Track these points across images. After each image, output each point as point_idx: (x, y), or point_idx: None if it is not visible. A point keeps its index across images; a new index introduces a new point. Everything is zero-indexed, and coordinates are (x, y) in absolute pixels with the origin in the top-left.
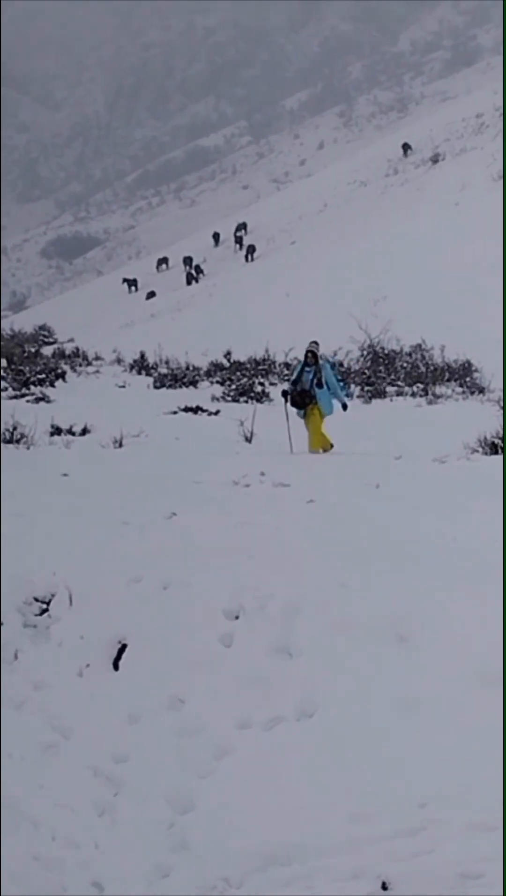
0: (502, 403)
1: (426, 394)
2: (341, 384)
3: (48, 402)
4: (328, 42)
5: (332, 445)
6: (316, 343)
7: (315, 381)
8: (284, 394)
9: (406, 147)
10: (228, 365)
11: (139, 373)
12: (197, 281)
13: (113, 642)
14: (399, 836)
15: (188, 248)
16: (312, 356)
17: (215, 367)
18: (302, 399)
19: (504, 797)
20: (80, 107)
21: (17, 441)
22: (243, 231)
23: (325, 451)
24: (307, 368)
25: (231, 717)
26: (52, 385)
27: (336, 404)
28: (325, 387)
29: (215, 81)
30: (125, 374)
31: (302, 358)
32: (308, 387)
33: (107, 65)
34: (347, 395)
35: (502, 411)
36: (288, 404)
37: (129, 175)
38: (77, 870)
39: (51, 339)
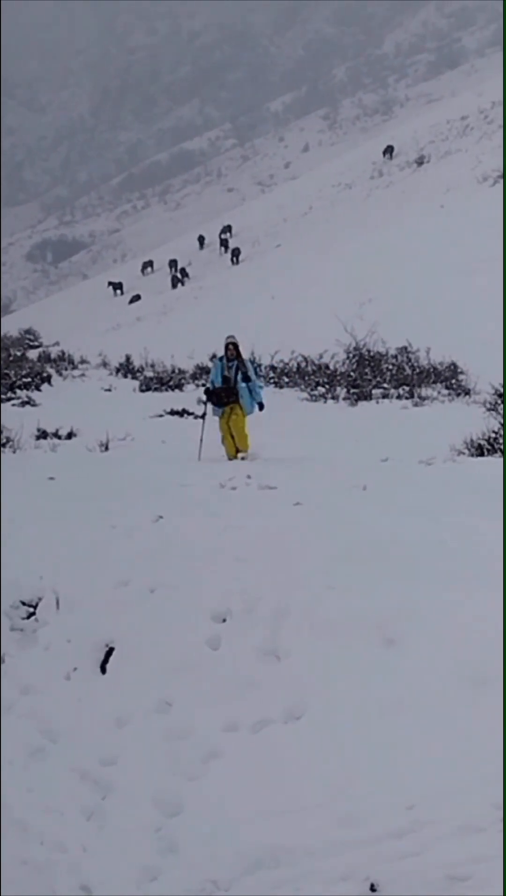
0: (488, 405)
1: (412, 396)
2: (260, 383)
3: (34, 405)
4: (313, 45)
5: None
6: (234, 337)
7: (240, 375)
8: (208, 392)
9: (389, 149)
10: None
11: (125, 376)
12: (183, 284)
13: (100, 646)
14: (387, 838)
15: (173, 251)
16: (233, 349)
17: (201, 370)
18: (227, 396)
19: (504, 797)
20: (65, 110)
21: (3, 445)
22: (228, 234)
23: (243, 456)
24: (229, 364)
25: (219, 719)
26: (37, 389)
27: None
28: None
29: (200, 85)
30: (111, 378)
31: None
32: (233, 383)
33: (92, 68)
34: (262, 387)
35: (489, 413)
36: (208, 405)
37: (114, 178)
38: (66, 873)
39: (36, 343)
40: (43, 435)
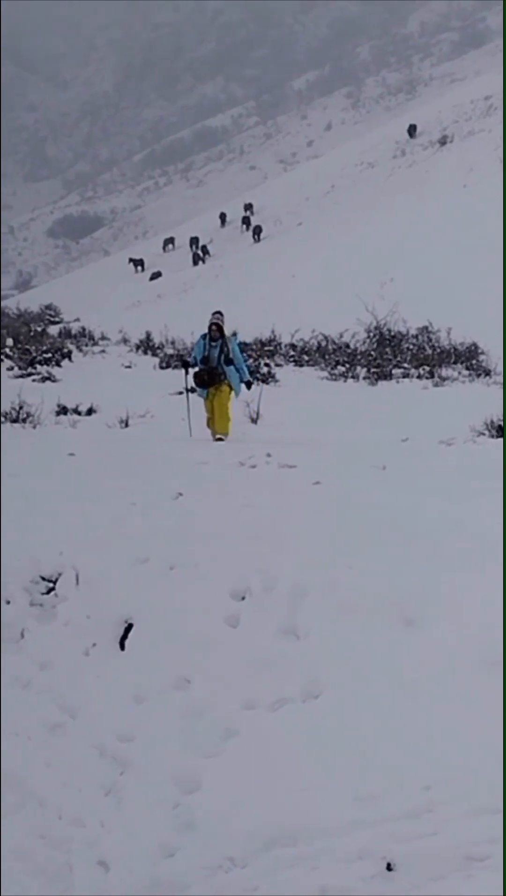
0: None
1: (432, 376)
2: (246, 361)
3: (54, 381)
4: (337, 23)
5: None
6: (220, 313)
7: (222, 356)
8: (185, 365)
9: (412, 129)
10: None
11: (145, 353)
12: (204, 261)
13: (119, 622)
14: (404, 817)
15: (195, 228)
16: (216, 329)
17: None
18: (211, 377)
19: (504, 783)
20: (88, 86)
21: (24, 420)
22: (250, 212)
23: (223, 438)
24: (213, 343)
25: (237, 697)
26: (58, 365)
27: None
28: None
29: (224, 62)
30: (131, 355)
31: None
32: (216, 363)
33: (116, 44)
34: (252, 375)
35: None
36: (189, 376)
37: (136, 155)
38: (83, 848)
39: (57, 319)
40: (63, 411)
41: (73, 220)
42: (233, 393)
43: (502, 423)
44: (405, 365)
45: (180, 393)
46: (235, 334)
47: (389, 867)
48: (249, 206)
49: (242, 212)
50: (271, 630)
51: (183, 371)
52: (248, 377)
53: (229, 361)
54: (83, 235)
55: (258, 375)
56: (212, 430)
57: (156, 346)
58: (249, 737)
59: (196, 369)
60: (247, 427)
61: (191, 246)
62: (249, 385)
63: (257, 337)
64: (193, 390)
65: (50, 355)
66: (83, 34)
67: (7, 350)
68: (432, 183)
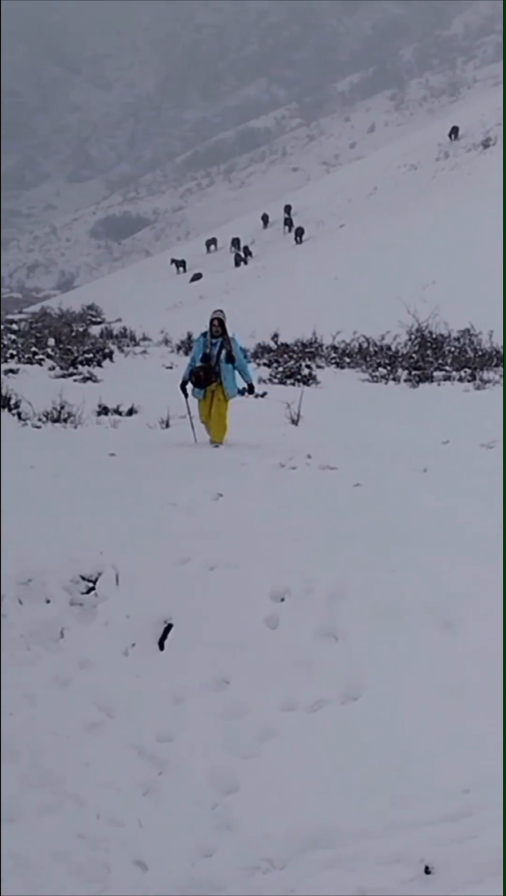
0: None
1: (474, 379)
2: (248, 362)
3: (95, 381)
4: (381, 25)
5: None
6: (221, 311)
7: (222, 354)
8: (183, 385)
9: (455, 131)
10: (275, 347)
11: (186, 353)
12: (246, 262)
13: (159, 622)
14: (442, 820)
15: (237, 229)
16: (218, 325)
17: (262, 349)
18: (207, 376)
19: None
20: (131, 87)
21: (65, 420)
22: (288, 213)
23: (219, 443)
24: (213, 340)
25: (276, 699)
26: (99, 365)
27: (241, 387)
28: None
29: (267, 63)
30: (172, 355)
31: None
32: (215, 361)
33: (159, 45)
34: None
35: None
36: (188, 398)
37: (179, 156)
38: (121, 848)
39: (98, 319)
40: (104, 411)
41: (115, 221)
42: (229, 394)
43: None
44: (447, 367)
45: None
46: (233, 338)
47: (427, 870)
48: (288, 208)
49: (283, 213)
50: (310, 632)
51: (182, 394)
52: (250, 379)
53: (231, 359)
54: (125, 236)
55: (297, 377)
56: (208, 431)
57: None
58: (288, 738)
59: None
60: (287, 428)
61: (232, 247)
62: (251, 389)
63: (299, 338)
64: (182, 387)
65: (91, 355)
66: (126, 35)
67: (49, 350)
68: (475, 185)
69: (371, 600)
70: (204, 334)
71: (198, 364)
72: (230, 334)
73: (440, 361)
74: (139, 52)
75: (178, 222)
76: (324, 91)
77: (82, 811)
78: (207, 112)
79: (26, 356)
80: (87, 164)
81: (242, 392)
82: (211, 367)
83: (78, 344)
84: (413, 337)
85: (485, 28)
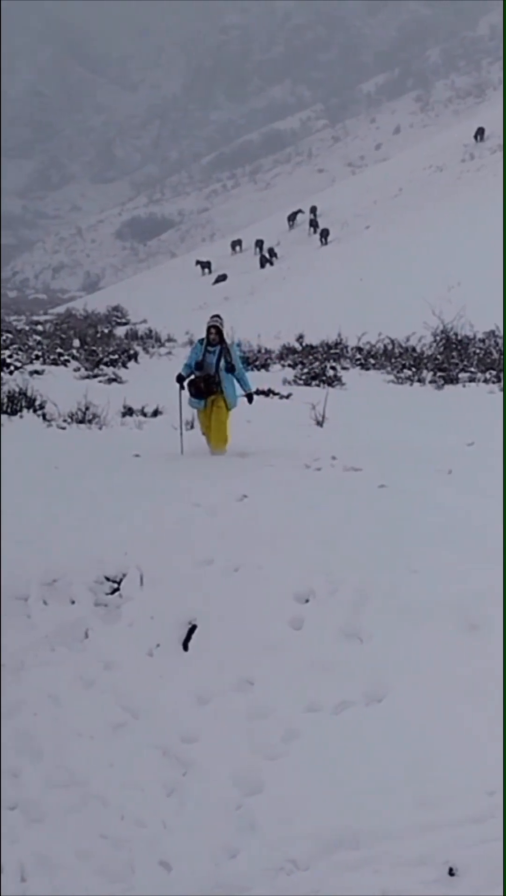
0: None
1: (499, 380)
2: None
3: (120, 382)
4: (406, 26)
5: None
6: (219, 317)
7: (221, 363)
8: (180, 379)
9: (480, 132)
10: (300, 348)
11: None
12: (271, 264)
13: (183, 623)
14: (467, 822)
15: (262, 230)
16: (215, 333)
17: (288, 351)
18: (208, 386)
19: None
20: (156, 88)
21: (90, 421)
22: (313, 214)
23: (220, 453)
24: (210, 349)
25: (300, 700)
26: (124, 366)
27: (241, 397)
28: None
29: (292, 65)
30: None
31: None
32: (213, 371)
33: (184, 47)
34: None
35: None
36: (184, 392)
37: (204, 157)
38: (145, 849)
39: (124, 320)
40: (129, 412)
41: (140, 222)
42: (230, 404)
43: None
44: (472, 369)
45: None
46: (239, 344)
47: (450, 872)
48: (313, 210)
49: (308, 214)
50: (335, 633)
51: (179, 387)
52: (249, 388)
53: (231, 369)
54: (150, 237)
55: (322, 378)
56: (209, 442)
57: None
58: (312, 739)
59: (192, 377)
60: (313, 430)
61: (256, 248)
62: (249, 398)
63: (324, 340)
64: (181, 388)
65: (116, 357)
66: (152, 36)
67: (74, 351)
68: (501, 186)
69: (396, 601)
70: (201, 341)
71: (194, 373)
72: (229, 342)
73: (466, 363)
74: (165, 53)
75: (203, 224)
76: (349, 92)
77: (106, 811)
78: (232, 113)
79: (51, 357)
80: (112, 165)
81: (249, 399)
82: (211, 378)
83: (103, 345)
84: (438, 338)
85: None
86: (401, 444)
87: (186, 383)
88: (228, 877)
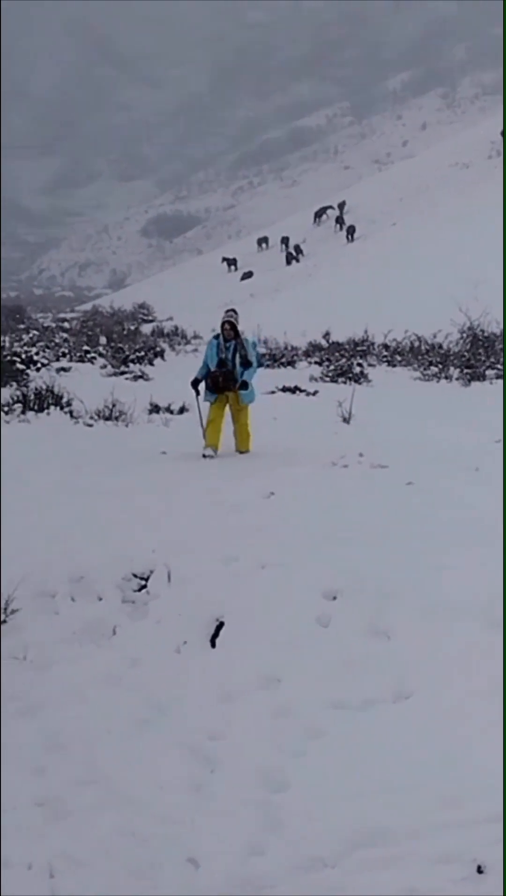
0: None
1: None
2: (255, 365)
3: (147, 380)
4: (432, 23)
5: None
6: (234, 311)
7: (237, 358)
8: (195, 383)
9: None
10: (326, 345)
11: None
12: (297, 261)
13: (210, 620)
14: (494, 820)
15: (289, 228)
16: (230, 328)
17: (314, 348)
18: (226, 382)
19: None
20: (181, 86)
21: (116, 419)
22: (341, 210)
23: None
24: (226, 344)
25: (326, 697)
26: (150, 363)
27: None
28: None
29: (317, 62)
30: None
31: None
32: (231, 366)
33: (209, 44)
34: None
35: None
36: (199, 396)
37: (229, 154)
38: (171, 846)
39: (150, 318)
40: (155, 409)
41: (166, 220)
42: (247, 400)
43: None
44: (499, 366)
45: (272, 392)
46: (255, 343)
47: (479, 870)
48: (342, 205)
49: (336, 211)
50: (361, 630)
51: (194, 392)
52: (249, 378)
53: (247, 364)
54: (176, 235)
55: (349, 375)
56: (207, 436)
57: None
58: (338, 737)
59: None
60: (339, 427)
61: (282, 245)
62: (244, 385)
63: (350, 337)
64: (197, 394)
65: (143, 354)
66: (177, 34)
67: (100, 348)
68: None
69: (422, 599)
70: (216, 337)
71: (214, 369)
72: (243, 336)
73: (492, 360)
74: (190, 50)
75: (229, 221)
76: (375, 89)
77: (133, 808)
78: (258, 111)
79: (78, 354)
80: (138, 163)
81: (244, 386)
82: (231, 373)
83: (129, 342)
84: (465, 335)
85: None
86: (428, 441)
87: (206, 379)
88: (254, 874)
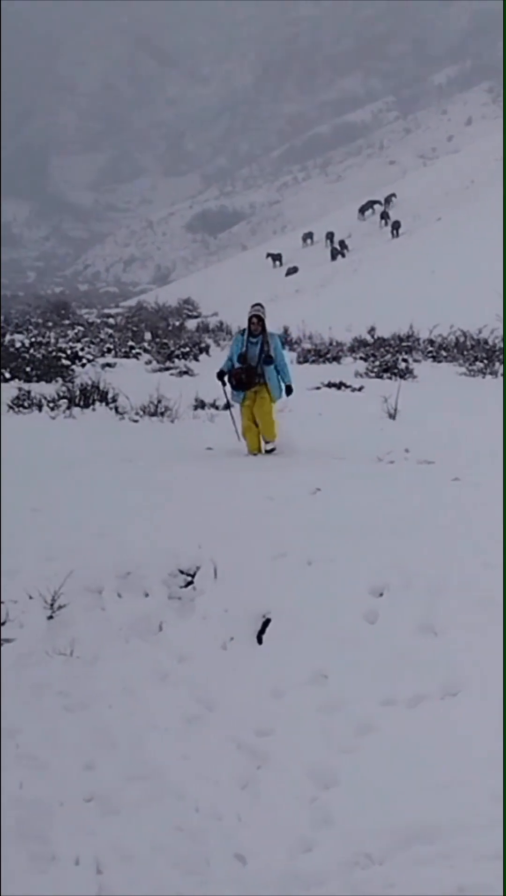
0: None
1: None
2: (287, 360)
3: (192, 375)
4: (478, 17)
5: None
6: (261, 305)
7: (263, 354)
8: (221, 375)
9: None
10: (371, 341)
11: (283, 347)
12: (343, 256)
13: (257, 616)
14: None
15: (334, 223)
16: (257, 322)
17: (359, 343)
18: (249, 378)
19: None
20: (227, 81)
21: (162, 414)
22: (389, 203)
23: (271, 448)
24: (252, 339)
25: (375, 693)
26: (195, 359)
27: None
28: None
29: (363, 56)
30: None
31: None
32: (256, 362)
33: (255, 39)
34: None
35: None
36: (226, 387)
37: (275, 150)
38: (220, 841)
39: (195, 313)
40: (201, 405)
41: (211, 215)
42: (275, 396)
43: None
44: None
45: (318, 388)
46: (281, 340)
47: None
48: (389, 198)
49: (383, 206)
50: (409, 626)
51: (220, 384)
52: (289, 380)
53: (269, 360)
54: (221, 230)
55: (394, 370)
56: (247, 442)
57: (294, 340)
58: (387, 733)
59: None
60: (385, 422)
61: (327, 241)
62: (288, 390)
63: (395, 332)
64: (223, 385)
65: (188, 349)
66: (222, 29)
67: (145, 344)
68: None
69: (470, 595)
70: (242, 331)
71: (236, 365)
72: (269, 332)
73: None
74: (236, 45)
75: (274, 216)
76: (421, 84)
77: (181, 804)
78: (303, 106)
79: (123, 350)
80: (183, 158)
81: (288, 391)
82: (253, 369)
83: (174, 338)
84: None
85: None
86: (474, 436)
87: (226, 377)
88: (303, 870)
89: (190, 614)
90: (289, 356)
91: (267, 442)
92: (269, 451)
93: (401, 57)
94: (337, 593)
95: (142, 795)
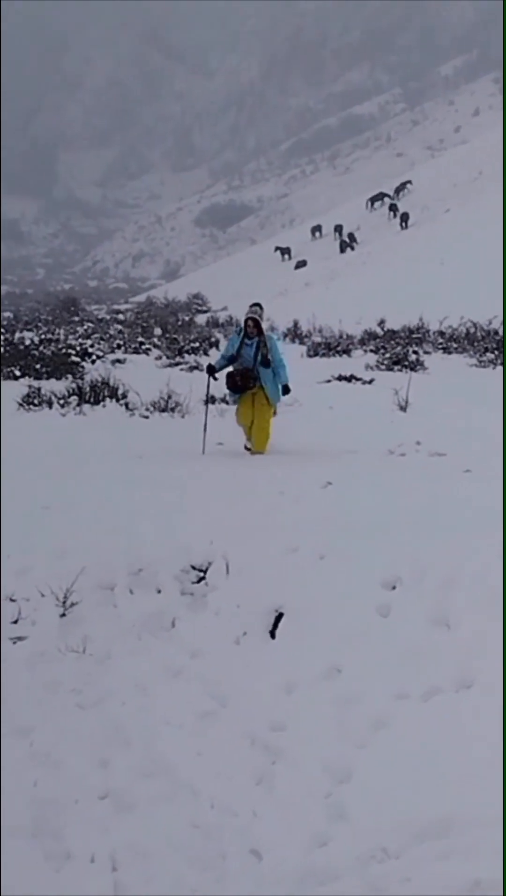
0: None
1: None
2: (285, 361)
3: (202, 370)
4: (484, 7)
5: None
6: (259, 306)
7: (259, 357)
8: (210, 369)
9: None
10: (381, 333)
11: (292, 341)
12: (352, 249)
13: (270, 611)
14: None
15: (342, 216)
16: (253, 324)
17: (369, 336)
18: (245, 380)
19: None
20: (234, 75)
21: (172, 410)
22: (395, 195)
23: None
24: (248, 341)
25: (388, 687)
26: (205, 353)
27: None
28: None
29: (370, 49)
30: (279, 343)
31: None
32: (251, 364)
33: (262, 32)
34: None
35: None
36: (210, 381)
37: (282, 143)
38: (235, 837)
39: (204, 308)
40: (211, 400)
41: (219, 209)
42: (272, 400)
43: None
44: None
45: (328, 381)
46: (278, 337)
47: None
48: (400, 188)
49: (393, 197)
50: (422, 620)
51: (208, 377)
52: (285, 380)
53: (267, 363)
54: (230, 224)
55: (405, 363)
56: (254, 440)
57: (303, 334)
58: (401, 727)
59: (230, 369)
60: (396, 415)
61: (335, 233)
62: (285, 390)
63: (405, 325)
64: (209, 377)
65: (197, 344)
66: (229, 23)
67: (155, 339)
68: None
69: (483, 588)
70: (239, 331)
71: (226, 363)
72: (267, 334)
73: None
74: (242, 39)
75: (282, 210)
76: (428, 76)
77: (196, 800)
78: (310, 99)
79: (133, 346)
80: (190, 152)
81: (285, 391)
82: (249, 372)
83: (184, 333)
84: None
85: None
86: (485, 428)
87: (225, 376)
88: (318, 865)
89: (202, 610)
90: (289, 352)
91: (254, 451)
92: (248, 450)
93: (408, 48)
94: (350, 587)
95: (156, 792)
